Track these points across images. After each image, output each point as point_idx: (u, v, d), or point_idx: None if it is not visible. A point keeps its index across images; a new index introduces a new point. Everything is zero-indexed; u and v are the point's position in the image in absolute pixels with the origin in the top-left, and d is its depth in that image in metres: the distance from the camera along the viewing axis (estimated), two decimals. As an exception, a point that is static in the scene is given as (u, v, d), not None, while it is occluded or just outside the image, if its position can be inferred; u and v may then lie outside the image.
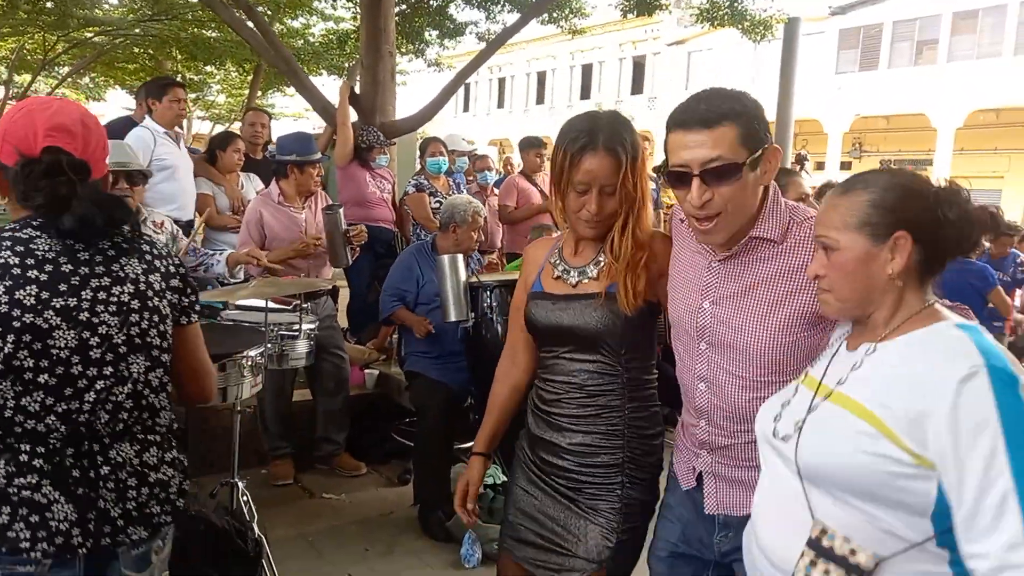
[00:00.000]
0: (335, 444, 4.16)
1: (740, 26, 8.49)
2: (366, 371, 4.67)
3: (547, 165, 6.41)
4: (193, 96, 23.33)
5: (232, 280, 3.57)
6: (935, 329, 1.21)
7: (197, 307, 1.63)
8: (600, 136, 1.65)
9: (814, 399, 1.30)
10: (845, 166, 24.81)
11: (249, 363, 2.67)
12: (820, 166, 24.32)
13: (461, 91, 39.88)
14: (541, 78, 35.06)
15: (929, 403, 1.12)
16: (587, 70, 32.82)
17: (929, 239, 1.24)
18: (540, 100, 35.07)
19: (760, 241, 1.53)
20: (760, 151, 1.46)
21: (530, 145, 6.15)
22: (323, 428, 4.16)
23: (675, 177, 1.49)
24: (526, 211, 5.86)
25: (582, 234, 1.76)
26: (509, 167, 7.38)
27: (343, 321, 5.76)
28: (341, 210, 3.90)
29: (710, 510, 1.62)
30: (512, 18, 7.10)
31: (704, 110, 1.44)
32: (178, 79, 5.51)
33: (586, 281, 1.76)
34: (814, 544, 1.20)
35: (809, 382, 1.36)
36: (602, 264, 1.74)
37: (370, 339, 5.10)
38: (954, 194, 1.27)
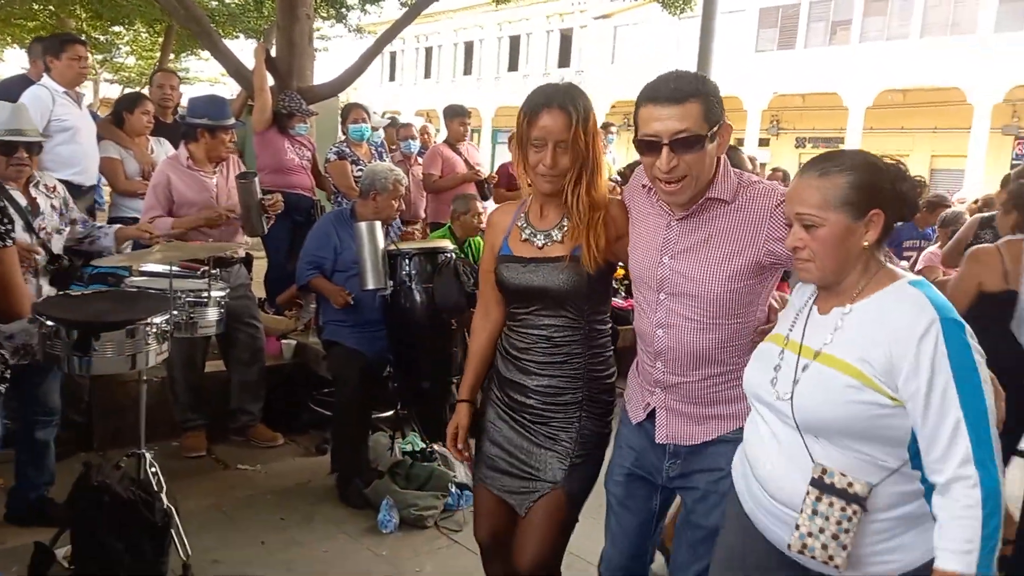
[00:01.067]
0: (250, 415, 4.09)
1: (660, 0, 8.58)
2: (283, 341, 4.59)
3: (475, 136, 6.38)
4: (100, 58, 22.07)
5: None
6: (896, 288, 1.45)
7: (12, 235, 1.94)
8: (555, 99, 1.86)
9: (800, 360, 1.52)
10: (763, 143, 25.54)
11: (154, 330, 2.59)
12: (740, 142, 24.95)
13: (387, 60, 39.13)
14: (468, 48, 34.68)
15: (898, 355, 1.37)
16: (515, 41, 32.63)
17: (892, 211, 1.48)
18: (468, 71, 34.71)
19: (714, 202, 1.76)
20: (717, 127, 1.69)
21: (454, 114, 6.10)
22: (238, 399, 4.09)
23: (646, 145, 1.69)
24: (450, 180, 5.82)
25: (541, 189, 1.92)
26: (426, 137, 7.28)
27: (261, 291, 5.64)
28: (256, 178, 3.79)
29: (660, 439, 1.87)
30: (435, -16, 6.97)
31: (674, 88, 1.65)
32: (81, 37, 5.18)
33: (551, 244, 1.95)
34: (817, 483, 1.43)
35: (791, 346, 1.57)
36: (566, 228, 1.93)
37: (287, 307, 4.99)
38: (902, 170, 1.52)
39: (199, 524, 3.22)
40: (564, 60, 30.49)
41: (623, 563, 2.02)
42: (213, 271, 2.88)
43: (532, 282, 1.94)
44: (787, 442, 1.51)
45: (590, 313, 1.97)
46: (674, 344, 1.80)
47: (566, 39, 30.84)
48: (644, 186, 1.89)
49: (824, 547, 1.41)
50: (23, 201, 2.80)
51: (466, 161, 5.95)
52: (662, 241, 1.81)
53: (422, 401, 3.83)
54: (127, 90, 22.45)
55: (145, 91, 8.91)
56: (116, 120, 4.52)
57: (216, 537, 3.17)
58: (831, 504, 1.41)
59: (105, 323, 2.51)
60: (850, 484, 1.40)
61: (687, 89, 1.65)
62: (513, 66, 32.47)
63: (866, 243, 1.47)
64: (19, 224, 2.64)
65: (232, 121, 3.82)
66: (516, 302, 2.02)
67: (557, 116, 1.83)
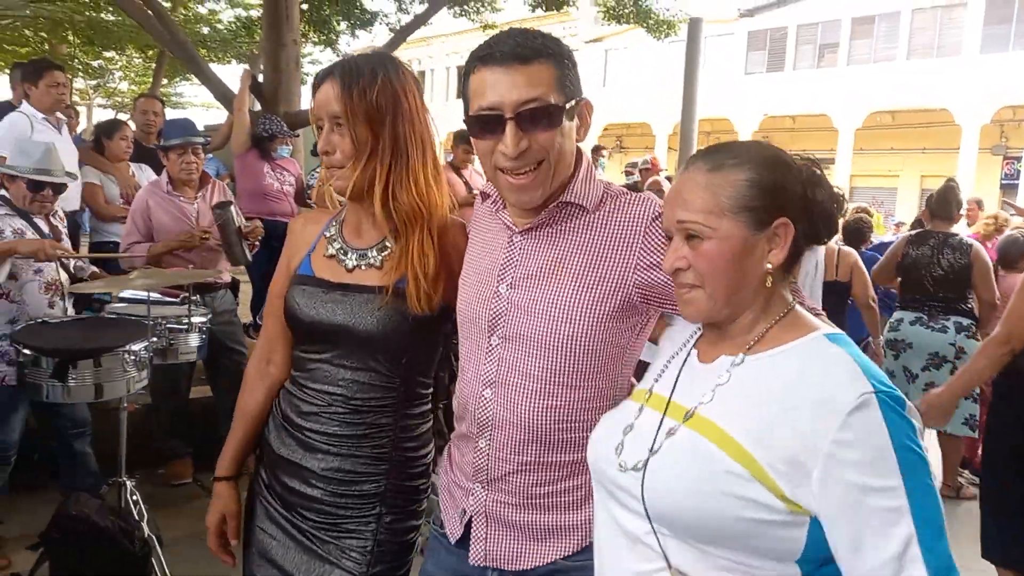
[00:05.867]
0: (236, 441, 4.03)
1: (644, 24, 8.70)
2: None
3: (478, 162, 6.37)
4: (93, 83, 22.22)
5: None
6: (809, 343, 1.03)
7: None
8: (336, 67, 1.40)
9: (664, 421, 1.08)
10: (754, 164, 25.70)
11: (133, 358, 2.57)
12: (730, 163, 25.12)
13: (380, 84, 39.36)
14: (460, 72, 34.97)
15: (815, 441, 0.93)
16: (507, 65, 32.91)
17: (803, 224, 1.06)
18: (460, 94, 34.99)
19: (571, 207, 1.29)
20: (576, 100, 1.25)
21: (462, 139, 6.12)
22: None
23: (482, 123, 1.22)
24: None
25: (335, 188, 1.43)
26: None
27: (248, 316, 5.60)
28: (233, 207, 3.75)
29: (475, 561, 1.33)
30: (423, 9, 7.05)
31: (516, 45, 1.20)
32: (57, 62, 5.21)
33: (365, 268, 1.44)
34: None
35: (655, 401, 1.12)
36: (389, 250, 1.43)
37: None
38: (817, 173, 1.11)
39: (182, 554, 3.16)
40: (556, 83, 30.74)
41: None
42: (193, 297, 2.85)
43: (333, 317, 1.41)
44: (635, 535, 1.06)
45: (408, 368, 1.44)
46: (505, 412, 1.27)
47: (558, 63, 31.12)
48: (484, 194, 1.41)
49: None
50: (45, 229, 3.11)
51: (467, 184, 5.96)
52: (501, 264, 1.32)
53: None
54: (121, 115, 22.60)
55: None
56: (96, 146, 4.53)
57: (197, 567, 3.11)
58: None
59: (82, 351, 2.49)
60: None
61: (533, 45, 1.20)
62: (505, 89, 32.68)
63: (769, 265, 1.05)
64: None
65: (199, 139, 3.78)
66: (307, 343, 1.47)
67: (328, 86, 1.37)
